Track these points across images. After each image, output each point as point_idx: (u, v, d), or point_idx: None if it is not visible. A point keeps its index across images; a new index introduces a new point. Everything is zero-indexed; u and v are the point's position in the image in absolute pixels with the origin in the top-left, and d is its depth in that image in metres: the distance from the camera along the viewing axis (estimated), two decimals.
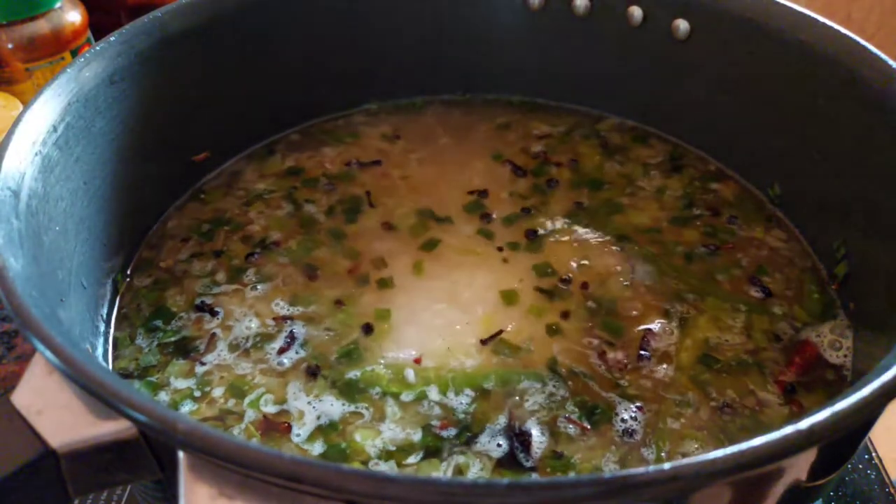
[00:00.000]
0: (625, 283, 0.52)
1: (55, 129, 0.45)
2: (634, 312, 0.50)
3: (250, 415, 0.45)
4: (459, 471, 0.41)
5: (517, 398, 0.45)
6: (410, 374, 0.46)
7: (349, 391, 0.46)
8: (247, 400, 0.45)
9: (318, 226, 0.57)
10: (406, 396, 0.45)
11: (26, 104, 0.45)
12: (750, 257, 0.55)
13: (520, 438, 0.43)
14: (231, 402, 0.45)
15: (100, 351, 0.48)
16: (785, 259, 0.54)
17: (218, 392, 0.46)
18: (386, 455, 0.42)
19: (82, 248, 0.48)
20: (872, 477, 0.54)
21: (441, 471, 0.42)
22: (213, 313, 0.51)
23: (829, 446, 0.31)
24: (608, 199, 0.59)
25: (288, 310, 0.51)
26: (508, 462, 0.42)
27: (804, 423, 0.29)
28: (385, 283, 0.52)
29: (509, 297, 0.51)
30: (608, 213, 0.58)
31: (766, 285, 0.52)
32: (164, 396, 0.46)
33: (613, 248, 0.55)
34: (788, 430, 0.28)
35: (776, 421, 0.45)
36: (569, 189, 0.60)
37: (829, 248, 0.53)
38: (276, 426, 0.44)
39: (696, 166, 0.62)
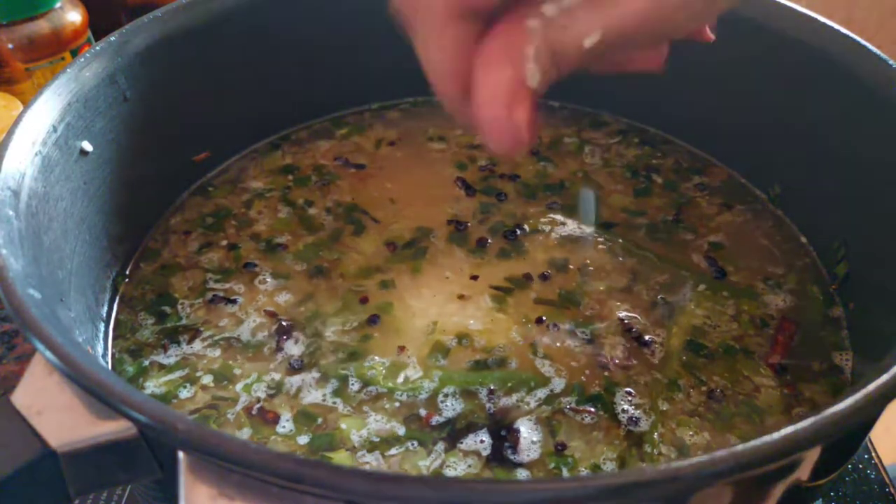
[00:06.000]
0: (611, 275, 0.53)
1: (55, 129, 0.45)
2: (623, 304, 0.50)
3: (243, 402, 0.45)
4: (447, 468, 0.41)
5: (511, 397, 0.45)
6: (405, 370, 0.46)
7: (342, 383, 0.46)
8: (239, 387, 0.46)
9: (321, 229, 0.57)
10: (398, 392, 0.45)
11: (26, 104, 0.45)
12: (736, 244, 0.55)
13: (509, 436, 0.43)
14: (225, 392, 0.46)
15: (100, 346, 0.48)
16: (784, 258, 0.54)
17: (212, 380, 0.46)
18: (370, 445, 0.43)
19: (82, 248, 0.48)
20: (872, 477, 0.54)
21: (428, 462, 0.42)
22: (219, 302, 0.51)
23: (830, 446, 0.31)
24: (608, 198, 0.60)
25: (293, 306, 0.51)
26: (498, 459, 0.42)
27: (804, 423, 0.29)
28: (385, 285, 0.52)
29: (501, 300, 0.51)
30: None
31: (723, 267, 0.53)
32: (160, 382, 0.46)
33: (599, 242, 0.55)
34: (788, 430, 0.28)
35: (772, 405, 0.45)
36: (558, 190, 0.61)
37: (829, 248, 0.53)
38: (264, 414, 0.44)
39: (693, 164, 0.63)
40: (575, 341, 0.48)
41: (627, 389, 0.45)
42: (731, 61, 0.58)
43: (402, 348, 0.48)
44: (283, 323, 0.50)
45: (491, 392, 0.45)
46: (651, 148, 0.65)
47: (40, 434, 0.32)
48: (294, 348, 0.48)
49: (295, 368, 0.47)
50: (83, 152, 0.48)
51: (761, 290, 0.52)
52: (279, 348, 0.48)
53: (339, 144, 0.65)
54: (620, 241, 0.55)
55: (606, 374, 0.46)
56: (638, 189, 0.60)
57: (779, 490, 0.32)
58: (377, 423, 0.44)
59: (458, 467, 0.42)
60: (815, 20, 0.52)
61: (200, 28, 0.56)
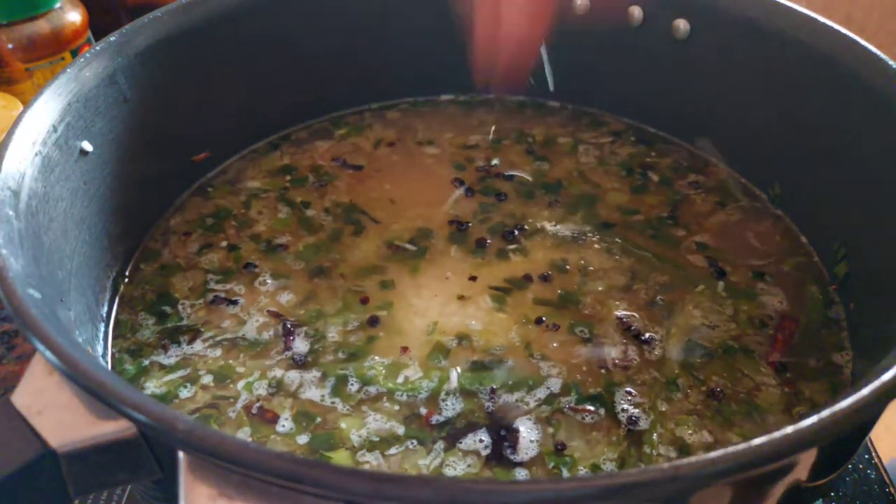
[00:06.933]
0: (609, 275, 0.53)
1: (55, 129, 0.45)
2: (622, 304, 0.50)
3: (243, 400, 0.45)
4: (446, 467, 0.41)
5: (510, 397, 0.45)
6: (404, 370, 0.46)
7: (342, 383, 0.46)
8: (240, 385, 0.46)
9: (321, 230, 0.57)
10: (398, 392, 0.45)
11: (26, 104, 0.45)
12: (734, 244, 0.55)
13: (509, 435, 0.43)
14: (225, 391, 0.46)
15: (100, 346, 0.48)
16: (784, 258, 0.54)
17: (213, 380, 0.46)
18: (370, 445, 0.43)
19: (82, 248, 0.48)
20: (872, 477, 0.54)
21: (427, 461, 0.42)
22: (221, 303, 0.51)
23: (829, 446, 0.31)
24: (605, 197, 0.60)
25: (294, 306, 0.51)
26: (497, 459, 0.42)
27: (804, 423, 0.29)
28: (385, 285, 0.52)
29: (500, 301, 0.51)
30: (590, 206, 0.59)
31: (722, 268, 0.53)
32: (161, 382, 0.46)
33: (598, 241, 0.55)
34: (788, 430, 0.28)
35: (772, 403, 0.45)
36: (555, 190, 0.61)
37: (829, 248, 0.53)
38: (264, 414, 0.44)
39: (692, 163, 0.63)
40: (574, 341, 0.48)
41: (627, 389, 0.45)
42: (732, 61, 0.58)
43: (405, 349, 0.48)
44: (288, 323, 0.49)
45: (492, 392, 0.45)
46: (646, 146, 0.65)
47: (40, 434, 0.32)
48: (300, 348, 0.48)
49: (298, 365, 0.47)
50: (83, 152, 0.48)
51: (760, 290, 0.52)
52: (287, 348, 0.48)
53: (338, 145, 0.65)
54: (619, 240, 0.55)
55: (606, 373, 0.46)
56: (635, 186, 0.60)
57: (779, 490, 0.32)
58: (377, 422, 0.44)
59: (457, 467, 0.42)
60: (815, 20, 0.52)
61: (200, 28, 0.56)
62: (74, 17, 0.76)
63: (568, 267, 0.53)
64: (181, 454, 0.30)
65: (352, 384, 0.46)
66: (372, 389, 0.46)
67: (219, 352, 0.48)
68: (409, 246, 0.55)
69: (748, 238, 0.56)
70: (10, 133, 0.43)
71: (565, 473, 0.41)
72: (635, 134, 0.66)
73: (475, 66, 0.58)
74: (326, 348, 0.48)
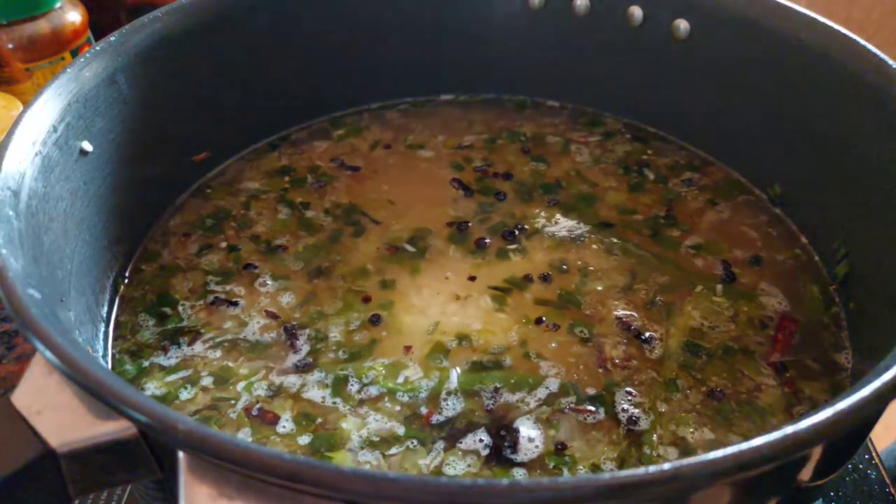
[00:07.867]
0: (609, 275, 0.53)
1: (55, 129, 0.45)
2: (621, 304, 0.50)
3: (244, 401, 0.45)
4: (446, 467, 0.41)
5: (511, 397, 0.45)
6: (404, 370, 0.46)
7: (342, 383, 0.46)
8: (240, 387, 0.46)
9: (320, 231, 0.57)
10: (399, 392, 0.45)
11: (26, 104, 0.45)
12: (733, 244, 0.55)
13: (508, 435, 0.43)
14: (225, 392, 0.46)
15: (100, 347, 0.48)
16: (784, 258, 0.54)
17: (213, 382, 0.46)
18: (370, 445, 0.43)
19: (82, 248, 0.48)
20: (872, 477, 0.54)
21: (427, 461, 0.42)
22: (221, 304, 0.51)
23: (830, 446, 0.31)
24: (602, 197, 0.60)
25: (294, 307, 0.51)
26: (497, 459, 0.42)
27: (804, 423, 0.29)
28: (386, 286, 0.52)
29: (501, 301, 0.51)
30: (589, 207, 0.59)
31: (733, 271, 0.53)
32: (161, 383, 0.46)
33: (598, 242, 0.55)
34: (788, 429, 0.28)
35: (772, 403, 0.45)
36: (554, 190, 0.61)
37: (829, 248, 0.53)
38: (264, 415, 0.44)
39: (690, 162, 0.63)
40: (574, 341, 0.48)
41: (627, 389, 0.45)
42: (732, 61, 0.58)
43: (407, 348, 0.48)
44: (289, 325, 0.49)
45: (492, 392, 0.45)
46: (642, 144, 0.65)
47: (40, 434, 0.32)
48: (301, 349, 0.48)
49: (298, 368, 0.47)
50: (83, 152, 0.48)
51: (760, 291, 0.52)
52: (287, 349, 0.48)
53: (335, 146, 0.65)
54: (618, 240, 0.55)
55: (606, 373, 0.46)
56: (632, 184, 0.60)
57: (779, 490, 0.32)
58: (377, 422, 0.44)
59: (457, 467, 0.42)
60: (815, 20, 0.52)
61: (200, 28, 0.56)
62: (74, 17, 0.76)
63: (567, 267, 0.53)
64: (181, 454, 0.30)
65: (352, 384, 0.46)
66: (372, 390, 0.46)
67: (219, 353, 0.48)
68: (408, 247, 0.55)
69: (748, 238, 0.56)
70: (10, 133, 0.43)
71: (565, 473, 0.41)
72: (632, 132, 0.66)
73: None
74: (327, 349, 0.48)
